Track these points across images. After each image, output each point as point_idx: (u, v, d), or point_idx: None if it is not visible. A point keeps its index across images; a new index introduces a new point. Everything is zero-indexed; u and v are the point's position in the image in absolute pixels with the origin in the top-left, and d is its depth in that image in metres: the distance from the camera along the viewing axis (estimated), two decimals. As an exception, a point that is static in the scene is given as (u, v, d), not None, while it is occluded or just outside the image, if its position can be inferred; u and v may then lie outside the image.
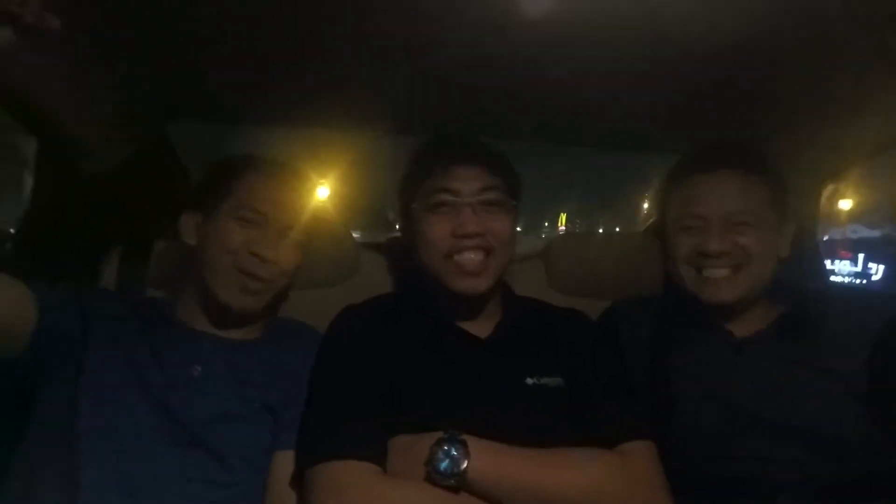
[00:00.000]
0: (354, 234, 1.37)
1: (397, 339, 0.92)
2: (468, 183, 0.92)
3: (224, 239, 0.92)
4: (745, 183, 0.97)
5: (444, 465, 0.75)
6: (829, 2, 0.86)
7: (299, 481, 0.82)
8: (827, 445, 0.87)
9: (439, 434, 0.77)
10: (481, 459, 0.76)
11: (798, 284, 1.05)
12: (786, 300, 1.00)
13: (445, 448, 0.76)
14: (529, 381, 0.89)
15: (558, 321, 1.01)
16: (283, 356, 0.97)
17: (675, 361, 1.00)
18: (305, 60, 1.08)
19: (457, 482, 0.75)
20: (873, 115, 1.16)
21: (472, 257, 0.91)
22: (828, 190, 1.54)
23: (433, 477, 0.76)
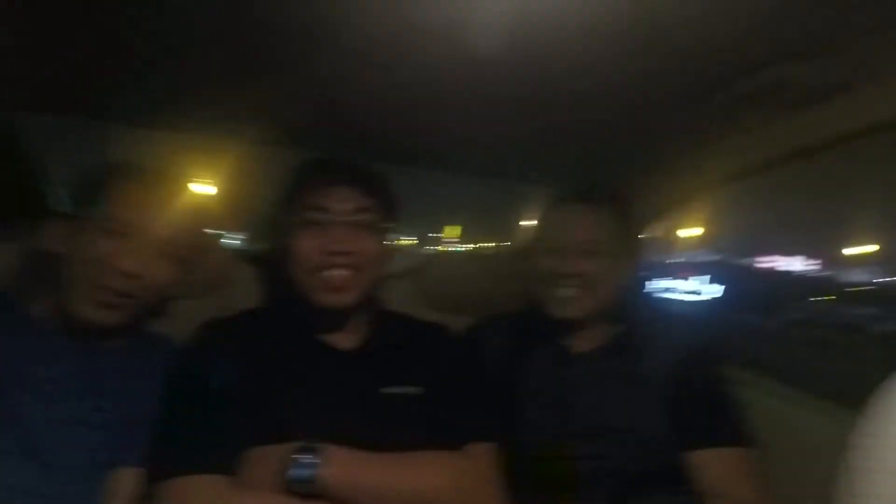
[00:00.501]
0: (241, 239, 1.33)
1: (257, 351, 0.93)
2: (342, 203, 0.95)
3: (86, 250, 0.86)
4: (597, 217, 1.13)
5: (296, 473, 0.78)
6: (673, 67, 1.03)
7: (144, 499, 0.79)
8: (636, 444, 1.04)
9: (295, 444, 0.80)
10: (334, 466, 0.79)
11: (631, 305, 1.23)
12: (622, 320, 1.17)
13: (299, 457, 0.79)
14: (388, 390, 0.94)
15: (422, 334, 1.08)
16: (138, 368, 0.93)
17: (522, 372, 1.14)
18: (176, 59, 1.02)
19: (311, 489, 0.78)
20: (708, 158, 1.40)
21: (339, 273, 0.94)
22: (668, 220, 1.82)
23: (288, 485, 0.78)
